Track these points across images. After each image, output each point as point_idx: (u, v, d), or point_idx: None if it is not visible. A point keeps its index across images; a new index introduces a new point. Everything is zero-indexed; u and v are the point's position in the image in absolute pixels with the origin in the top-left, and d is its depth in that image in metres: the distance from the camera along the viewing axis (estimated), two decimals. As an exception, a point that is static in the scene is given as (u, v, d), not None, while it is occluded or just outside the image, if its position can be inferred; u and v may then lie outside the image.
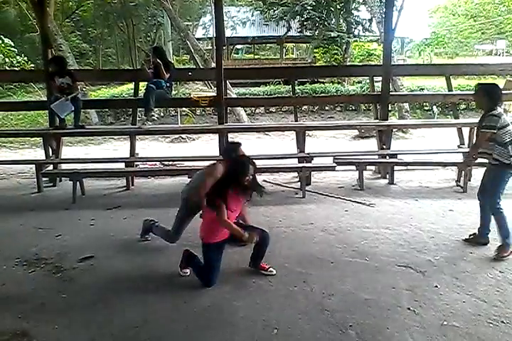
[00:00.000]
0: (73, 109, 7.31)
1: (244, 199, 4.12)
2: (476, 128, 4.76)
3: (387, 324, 3.29)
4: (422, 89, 15.74)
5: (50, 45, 8.37)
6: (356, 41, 20.49)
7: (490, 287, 3.82)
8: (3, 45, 15.42)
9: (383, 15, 11.24)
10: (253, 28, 25.65)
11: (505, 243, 4.44)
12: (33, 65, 16.13)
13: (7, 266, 4.37)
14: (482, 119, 4.48)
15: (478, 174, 7.46)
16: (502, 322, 3.30)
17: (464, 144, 7.73)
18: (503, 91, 4.74)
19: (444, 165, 7.61)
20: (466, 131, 7.74)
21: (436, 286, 3.84)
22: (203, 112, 15.42)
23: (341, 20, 19.37)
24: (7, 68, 14.57)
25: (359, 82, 17.39)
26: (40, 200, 6.71)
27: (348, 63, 19.06)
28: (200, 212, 4.37)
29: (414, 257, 4.44)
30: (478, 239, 4.74)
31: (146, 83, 7.52)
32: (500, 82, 15.75)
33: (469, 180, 6.94)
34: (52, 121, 7.67)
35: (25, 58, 16.18)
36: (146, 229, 4.96)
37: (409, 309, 3.49)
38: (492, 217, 4.58)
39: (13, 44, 16.17)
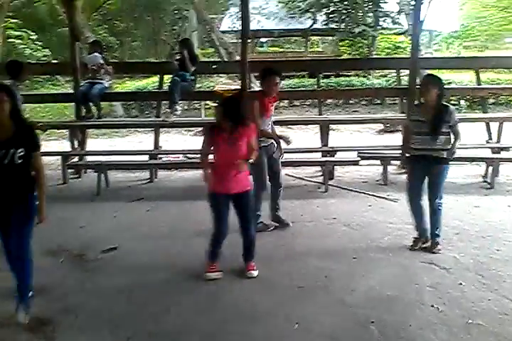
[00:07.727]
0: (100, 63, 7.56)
1: None
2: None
3: (410, 321, 3.25)
4: (450, 83, 15.41)
5: (77, 38, 8.46)
6: (382, 34, 20.17)
7: (517, 285, 3.73)
8: (29, 40, 15.74)
9: (411, 7, 11.04)
10: (278, 21, 25.47)
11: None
12: (55, 60, 16.41)
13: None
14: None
15: (506, 170, 7.34)
16: (529, 321, 3.22)
17: (492, 139, 7.55)
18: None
19: (472, 160, 7.44)
20: (494, 125, 7.55)
21: (461, 284, 3.77)
22: (227, 105, 15.38)
23: (369, 13, 19.07)
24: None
25: (384, 76, 17.14)
26: (65, 192, 6.82)
27: (374, 56, 18.80)
28: None
29: (439, 253, 4.37)
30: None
31: (171, 76, 7.56)
32: (532, 76, 15.36)
33: (497, 176, 6.79)
34: (79, 114, 7.77)
35: (50, 52, 16.48)
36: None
37: (432, 306, 3.43)
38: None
39: (37, 38, 16.46)
